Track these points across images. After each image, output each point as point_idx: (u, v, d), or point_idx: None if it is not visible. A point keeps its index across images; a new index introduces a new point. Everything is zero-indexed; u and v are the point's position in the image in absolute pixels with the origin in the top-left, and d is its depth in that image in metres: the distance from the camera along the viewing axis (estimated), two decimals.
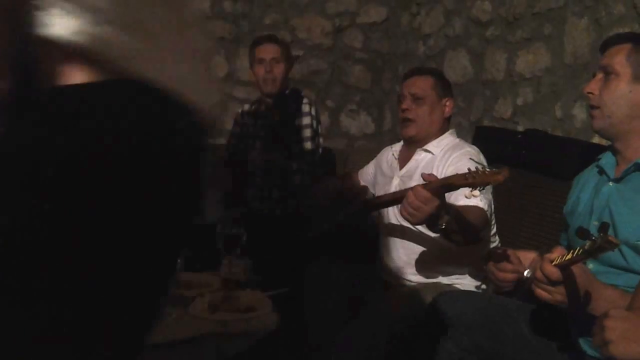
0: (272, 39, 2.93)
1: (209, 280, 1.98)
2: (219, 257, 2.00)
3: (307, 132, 2.86)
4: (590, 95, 1.57)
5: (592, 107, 1.58)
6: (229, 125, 3.58)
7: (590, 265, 1.48)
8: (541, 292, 1.28)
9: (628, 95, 1.50)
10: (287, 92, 2.88)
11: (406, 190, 1.78)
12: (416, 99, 2.17)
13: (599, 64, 1.59)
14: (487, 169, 1.58)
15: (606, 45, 1.59)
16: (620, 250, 1.43)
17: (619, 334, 1.09)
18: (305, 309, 2.30)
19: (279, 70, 2.83)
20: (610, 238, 1.11)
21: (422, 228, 2.06)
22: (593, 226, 1.51)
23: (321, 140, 2.97)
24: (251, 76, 3.01)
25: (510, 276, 1.52)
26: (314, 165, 2.85)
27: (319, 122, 2.95)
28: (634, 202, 1.46)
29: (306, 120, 2.86)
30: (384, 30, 4.02)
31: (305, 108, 2.88)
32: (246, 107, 3.12)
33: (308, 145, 2.85)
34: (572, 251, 1.20)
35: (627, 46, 1.52)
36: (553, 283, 1.25)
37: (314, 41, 3.93)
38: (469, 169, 1.59)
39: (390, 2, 4.00)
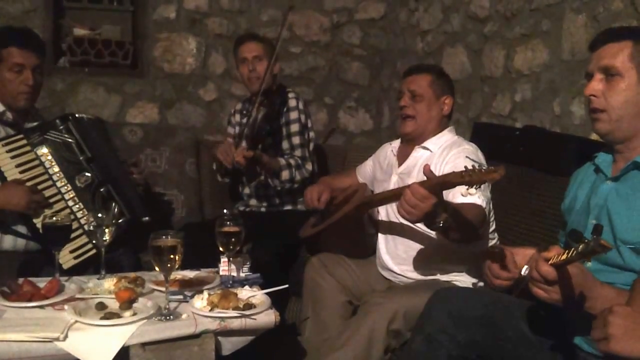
0: (253, 37, 2.92)
1: (208, 277, 1.98)
2: (218, 255, 2.00)
3: (295, 127, 2.84)
4: (593, 98, 1.50)
5: (595, 110, 1.51)
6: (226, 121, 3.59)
7: (589, 264, 1.48)
8: (538, 291, 1.28)
9: (635, 97, 1.45)
10: (270, 87, 2.86)
11: (404, 187, 1.78)
12: (414, 96, 2.18)
13: (595, 64, 1.51)
14: (484, 167, 1.58)
15: (599, 43, 1.51)
16: (618, 250, 1.42)
17: (622, 330, 1.09)
18: (304, 306, 2.31)
19: (262, 67, 2.81)
20: (602, 242, 1.11)
21: (420, 225, 2.06)
22: (590, 225, 1.51)
23: (312, 134, 2.94)
24: (238, 76, 3.00)
25: (505, 283, 1.53)
26: (305, 159, 2.84)
27: (308, 116, 2.92)
28: (632, 201, 1.45)
29: (293, 115, 2.85)
30: (382, 26, 4.02)
31: (292, 102, 2.86)
32: (238, 106, 3.12)
33: (297, 140, 2.84)
34: (567, 251, 1.20)
35: (627, 44, 1.46)
36: (549, 282, 1.25)
37: (312, 37, 3.93)
38: (465, 167, 1.59)
39: None
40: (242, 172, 2.84)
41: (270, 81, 2.84)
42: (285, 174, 2.74)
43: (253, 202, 2.96)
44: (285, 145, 2.84)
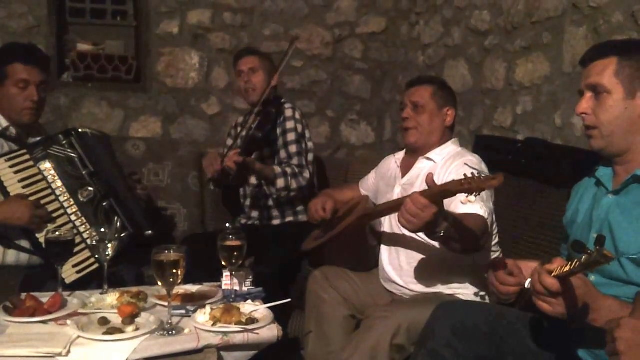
0: (250, 51, 2.99)
1: (211, 292, 1.98)
2: (220, 269, 2.00)
3: (292, 136, 2.86)
4: (584, 116, 1.53)
5: (588, 127, 1.54)
6: None
7: (592, 277, 1.48)
8: (541, 304, 1.28)
9: (624, 112, 1.48)
10: (266, 97, 2.88)
11: (405, 197, 1.78)
12: (416, 107, 2.19)
13: (584, 82, 1.54)
14: (483, 175, 1.59)
15: (587, 60, 1.54)
16: (620, 263, 1.42)
17: (630, 344, 1.08)
18: (307, 320, 2.30)
19: (257, 79, 2.86)
20: (605, 252, 1.11)
21: (422, 236, 2.06)
22: (592, 238, 1.51)
23: (310, 144, 2.95)
24: (237, 89, 3.04)
25: (512, 289, 1.52)
26: (302, 167, 2.84)
27: (305, 127, 2.94)
28: (633, 215, 1.45)
29: (290, 125, 2.87)
30: (383, 40, 4.04)
31: (288, 112, 2.89)
32: (240, 119, 3.14)
33: (293, 148, 2.85)
34: (569, 263, 1.20)
35: (612, 60, 1.48)
36: (553, 294, 1.24)
37: (314, 51, 3.95)
38: (464, 175, 1.60)
39: (390, 12, 4.02)
40: (236, 182, 2.84)
41: (268, 93, 2.86)
42: (280, 182, 2.75)
43: (254, 214, 2.96)
44: (282, 154, 2.86)
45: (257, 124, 2.81)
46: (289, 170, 2.78)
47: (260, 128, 2.79)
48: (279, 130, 2.86)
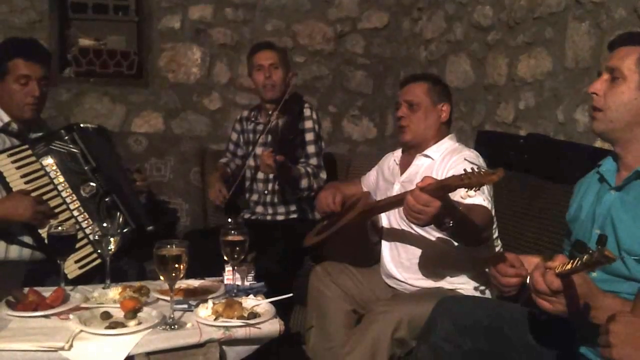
0: (269, 45, 2.96)
1: (213, 286, 1.98)
2: (222, 264, 2.01)
3: (310, 136, 2.88)
4: (594, 96, 1.53)
5: (594, 108, 1.54)
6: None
7: (594, 274, 1.47)
8: (542, 302, 1.28)
9: (633, 102, 1.47)
10: (287, 97, 2.88)
11: (405, 193, 1.78)
12: (411, 105, 2.19)
13: (606, 63, 1.54)
14: (482, 170, 1.58)
15: (616, 44, 1.54)
16: (622, 259, 1.42)
17: (622, 338, 1.08)
18: (308, 314, 2.30)
19: (277, 75, 2.86)
20: (606, 252, 1.10)
21: (422, 232, 2.06)
22: (595, 235, 1.50)
23: (323, 144, 2.99)
24: (250, 84, 3.03)
25: (513, 280, 1.52)
26: (320, 168, 2.87)
27: (320, 126, 2.97)
28: (635, 211, 1.45)
29: (308, 124, 2.89)
30: (385, 35, 4.04)
31: (307, 112, 2.90)
32: (245, 113, 3.13)
33: (312, 148, 2.87)
34: (571, 262, 1.19)
35: (636, 49, 1.48)
36: (553, 292, 1.24)
37: (316, 47, 3.95)
38: (464, 170, 1.60)
39: (392, 8, 4.01)
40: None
41: (290, 90, 2.87)
42: (304, 182, 2.77)
43: (259, 209, 2.97)
44: (300, 153, 2.86)
45: (284, 123, 2.82)
46: (310, 170, 2.81)
47: (287, 127, 2.81)
48: (297, 129, 2.87)
